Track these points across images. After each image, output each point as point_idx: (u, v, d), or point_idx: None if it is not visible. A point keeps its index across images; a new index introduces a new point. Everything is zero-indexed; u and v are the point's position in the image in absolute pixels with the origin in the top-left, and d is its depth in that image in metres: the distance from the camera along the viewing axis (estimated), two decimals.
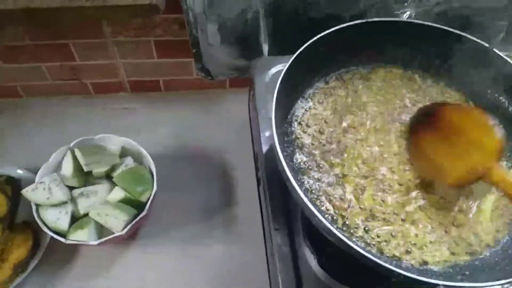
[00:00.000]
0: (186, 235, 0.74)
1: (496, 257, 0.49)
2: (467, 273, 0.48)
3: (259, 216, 0.72)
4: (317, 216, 0.44)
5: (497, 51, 0.59)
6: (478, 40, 0.61)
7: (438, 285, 0.42)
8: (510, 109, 0.60)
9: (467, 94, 0.64)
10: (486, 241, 0.51)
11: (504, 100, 0.61)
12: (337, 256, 0.48)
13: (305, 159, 0.56)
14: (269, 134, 0.64)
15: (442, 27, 0.62)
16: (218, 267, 0.71)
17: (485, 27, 0.78)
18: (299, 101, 0.62)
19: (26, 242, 0.67)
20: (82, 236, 0.64)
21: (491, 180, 0.47)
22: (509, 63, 0.58)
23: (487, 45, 0.60)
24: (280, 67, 0.70)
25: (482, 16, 0.76)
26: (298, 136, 0.58)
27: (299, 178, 0.54)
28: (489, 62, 0.60)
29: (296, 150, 0.57)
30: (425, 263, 0.50)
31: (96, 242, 0.63)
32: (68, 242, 0.63)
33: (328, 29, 0.59)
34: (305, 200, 0.44)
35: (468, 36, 0.61)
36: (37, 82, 0.89)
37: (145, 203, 0.67)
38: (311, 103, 0.62)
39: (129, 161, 0.72)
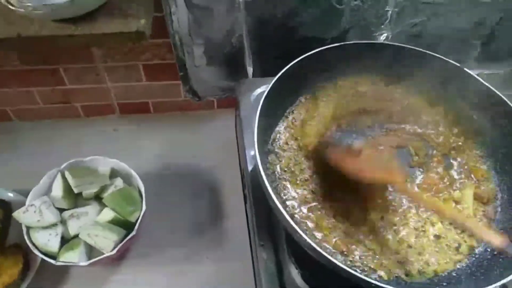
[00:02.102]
0: (176, 253, 0.75)
1: (472, 267, 0.52)
2: (444, 284, 0.50)
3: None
4: (298, 232, 0.46)
5: (467, 70, 0.63)
6: (450, 60, 0.64)
7: None
8: (477, 124, 0.64)
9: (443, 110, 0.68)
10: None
11: (475, 117, 0.64)
12: (320, 271, 0.49)
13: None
14: (254, 152, 0.66)
15: (415, 48, 0.65)
16: (208, 283, 0.72)
17: (460, 46, 0.82)
18: (282, 120, 0.65)
19: (17, 264, 0.68)
20: (73, 257, 0.65)
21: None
22: (479, 80, 0.62)
23: (458, 64, 0.64)
24: (264, 88, 0.72)
25: (456, 36, 0.80)
26: (280, 154, 0.61)
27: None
28: (461, 80, 0.64)
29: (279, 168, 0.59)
30: (409, 275, 0.51)
31: (86, 263, 0.64)
32: (59, 263, 0.64)
33: (310, 50, 0.62)
34: (287, 217, 0.46)
35: (440, 56, 0.65)
36: (28, 106, 0.91)
37: (135, 223, 0.68)
38: (292, 121, 0.64)
39: (118, 182, 0.74)
